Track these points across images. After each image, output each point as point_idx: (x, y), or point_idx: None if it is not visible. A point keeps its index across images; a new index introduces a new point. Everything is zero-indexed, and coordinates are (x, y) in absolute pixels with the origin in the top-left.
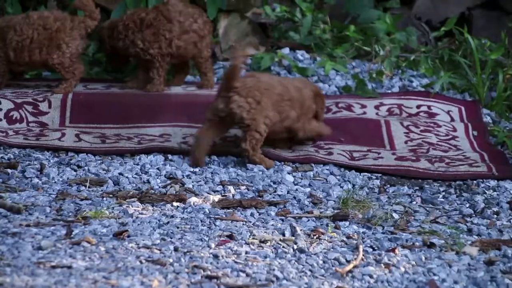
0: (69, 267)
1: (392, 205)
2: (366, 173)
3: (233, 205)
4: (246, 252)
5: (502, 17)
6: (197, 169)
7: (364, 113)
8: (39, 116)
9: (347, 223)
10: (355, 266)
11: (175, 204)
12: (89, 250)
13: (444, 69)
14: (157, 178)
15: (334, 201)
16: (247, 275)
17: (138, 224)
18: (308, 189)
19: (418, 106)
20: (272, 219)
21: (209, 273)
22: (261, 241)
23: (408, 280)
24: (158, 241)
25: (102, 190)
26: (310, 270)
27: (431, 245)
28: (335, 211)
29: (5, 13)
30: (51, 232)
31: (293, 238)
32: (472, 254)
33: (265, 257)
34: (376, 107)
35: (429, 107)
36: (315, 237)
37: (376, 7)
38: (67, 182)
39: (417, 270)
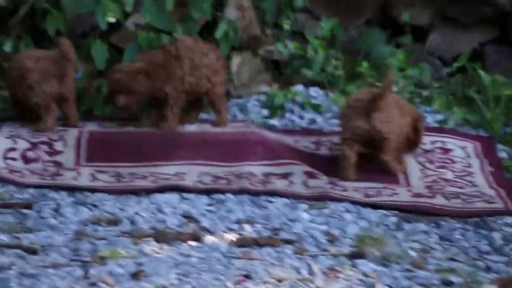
0: None
1: (409, 243)
2: (381, 210)
3: (249, 243)
4: None
5: None
6: (212, 207)
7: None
8: (54, 155)
9: (364, 261)
10: None
11: (191, 243)
12: None
13: (458, 104)
14: (173, 217)
15: (351, 238)
16: None
17: (155, 264)
18: (324, 227)
19: (433, 142)
20: (289, 257)
21: None
22: (278, 280)
23: None
24: (175, 281)
25: (118, 230)
26: None
27: (450, 284)
28: (352, 249)
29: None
30: (68, 273)
31: (310, 276)
32: None
33: None
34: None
35: (443, 143)
36: (332, 275)
37: (389, 43)
38: (83, 222)
39: None
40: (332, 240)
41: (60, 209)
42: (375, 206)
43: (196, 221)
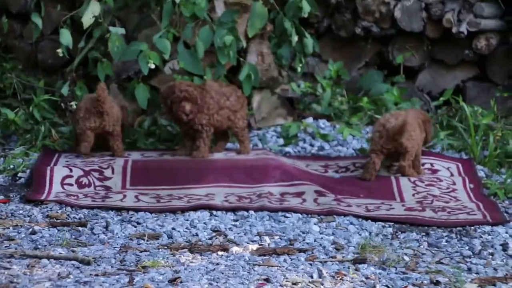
0: None
1: (403, 249)
2: (380, 222)
3: (268, 252)
4: None
5: (492, 88)
6: (237, 222)
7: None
8: (104, 181)
9: (365, 265)
10: None
11: (219, 253)
12: None
13: (444, 132)
14: (204, 231)
15: (354, 247)
16: None
17: (189, 272)
18: (331, 237)
19: (423, 164)
20: (302, 264)
21: None
22: (293, 283)
23: None
24: (206, 286)
25: (158, 243)
26: None
27: (437, 283)
28: (355, 255)
29: (75, 96)
30: (116, 280)
31: (320, 279)
32: None
33: None
34: (387, 167)
35: (431, 164)
36: (339, 278)
37: (385, 81)
38: (129, 237)
39: None
40: (338, 248)
41: (109, 226)
42: (374, 219)
43: (224, 234)
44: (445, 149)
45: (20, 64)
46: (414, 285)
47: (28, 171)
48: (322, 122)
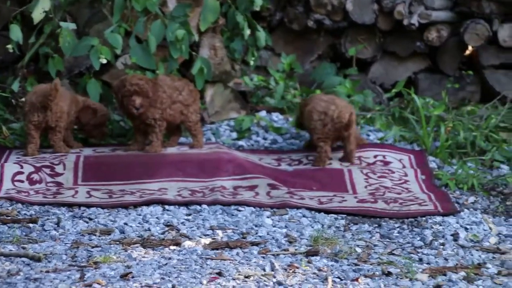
0: None
1: (355, 241)
2: (333, 214)
3: (221, 246)
4: (233, 287)
5: (443, 79)
6: (190, 217)
7: (330, 164)
8: (55, 177)
9: (318, 258)
10: None
11: (172, 247)
12: None
13: (396, 124)
14: (157, 226)
15: (307, 239)
16: None
17: (141, 266)
18: (284, 230)
19: (375, 156)
20: (255, 257)
21: None
22: (245, 277)
23: None
24: (158, 280)
25: (110, 238)
26: None
27: (389, 274)
28: (308, 248)
29: (26, 92)
30: (67, 276)
31: (273, 272)
32: (423, 280)
33: None
34: (340, 160)
35: (384, 156)
36: (291, 271)
37: (338, 74)
38: (80, 233)
39: None
40: (291, 241)
41: (61, 222)
42: (327, 211)
43: (176, 229)
44: (397, 140)
45: None
46: (366, 276)
47: None
48: (275, 115)
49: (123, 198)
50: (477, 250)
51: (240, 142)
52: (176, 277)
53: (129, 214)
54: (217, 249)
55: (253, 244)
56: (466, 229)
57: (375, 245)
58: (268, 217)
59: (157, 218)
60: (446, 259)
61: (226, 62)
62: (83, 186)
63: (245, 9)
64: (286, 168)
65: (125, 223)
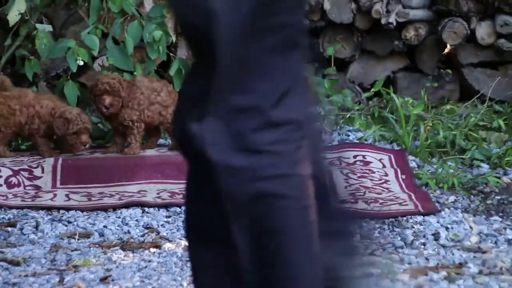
0: None
1: None
2: None
3: None
4: None
5: (422, 78)
6: (170, 219)
7: None
8: (34, 180)
9: None
10: None
11: (152, 250)
12: None
13: (375, 123)
14: (136, 228)
15: None
16: None
17: (121, 269)
18: None
19: (355, 156)
20: None
21: None
22: None
23: None
24: (138, 283)
25: (89, 241)
26: None
27: (370, 275)
28: None
29: None
30: (46, 280)
31: None
32: (404, 280)
33: None
34: None
35: (363, 156)
36: None
37: (316, 74)
38: (59, 236)
39: None
40: None
41: (39, 226)
42: None
43: (156, 231)
44: (377, 140)
45: None
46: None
47: None
48: None
49: (102, 200)
50: (458, 249)
51: None
52: (156, 280)
53: (108, 217)
54: None
55: None
56: (447, 228)
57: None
58: None
59: (136, 220)
60: (427, 259)
61: None
62: (61, 189)
63: None
64: None
65: (105, 226)
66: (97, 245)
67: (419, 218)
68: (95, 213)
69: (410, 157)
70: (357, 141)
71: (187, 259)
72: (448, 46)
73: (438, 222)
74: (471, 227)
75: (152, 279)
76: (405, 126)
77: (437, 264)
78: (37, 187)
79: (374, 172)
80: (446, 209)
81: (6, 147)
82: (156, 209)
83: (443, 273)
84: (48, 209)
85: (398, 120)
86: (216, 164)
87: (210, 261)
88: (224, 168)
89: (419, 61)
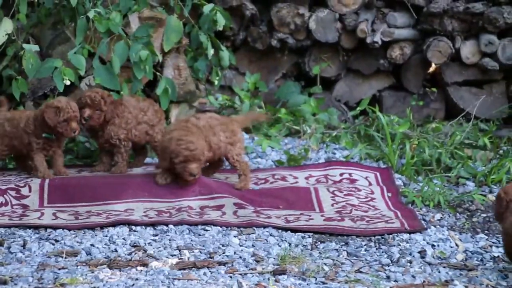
0: None
1: (322, 259)
2: (300, 233)
3: (188, 266)
4: None
5: (407, 97)
6: (157, 237)
7: (296, 182)
8: (21, 199)
9: (285, 276)
10: None
11: (139, 268)
12: None
13: (361, 142)
14: (123, 246)
15: (274, 258)
16: None
17: None
18: (251, 249)
19: (341, 174)
20: (222, 277)
21: None
22: None
23: None
24: None
25: (76, 260)
26: None
27: None
28: (275, 266)
29: None
30: None
31: None
32: None
33: None
34: (306, 178)
35: (350, 174)
36: None
37: (302, 92)
38: (47, 255)
39: None
40: (258, 260)
41: (27, 244)
42: (294, 230)
43: (143, 249)
44: (363, 158)
45: None
46: None
47: None
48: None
49: (89, 219)
50: (444, 267)
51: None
52: None
53: (96, 235)
54: (184, 269)
55: (220, 263)
56: (433, 246)
57: (342, 263)
58: (235, 236)
59: (123, 239)
60: (413, 276)
61: (190, 82)
62: (49, 208)
63: (208, 29)
64: (252, 187)
65: (92, 245)
66: (84, 264)
67: (405, 236)
68: (82, 232)
69: (396, 175)
70: (344, 159)
71: (174, 277)
72: (433, 65)
73: (424, 239)
74: (457, 245)
75: None
76: (391, 144)
77: (423, 281)
78: (25, 206)
79: (360, 190)
80: (432, 227)
81: None
82: (143, 227)
83: None
84: (36, 227)
85: (384, 139)
86: None
87: None
88: None
89: (405, 79)
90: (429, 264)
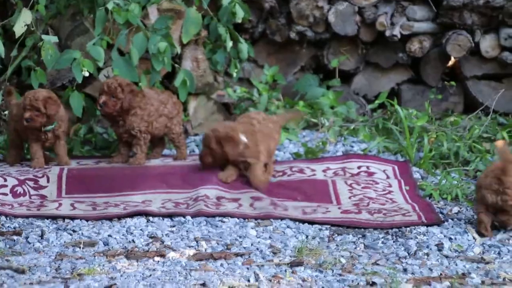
0: None
1: (339, 251)
2: (317, 225)
3: (205, 257)
4: None
5: (426, 90)
6: (174, 228)
7: (314, 175)
8: (39, 190)
9: (302, 268)
10: None
11: (156, 259)
12: None
13: (379, 135)
14: (141, 237)
15: (291, 250)
16: None
17: (125, 278)
18: (268, 241)
19: (359, 167)
20: (239, 268)
21: None
22: (229, 287)
23: None
24: None
25: (94, 250)
26: None
27: (373, 284)
28: (292, 258)
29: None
30: None
31: (257, 283)
32: None
33: None
34: (324, 171)
35: (368, 167)
36: (275, 281)
37: (321, 85)
38: (64, 245)
39: None
40: (275, 252)
41: (45, 235)
42: (311, 222)
43: (161, 240)
44: (381, 151)
45: None
46: (350, 286)
47: None
48: None
49: (107, 210)
50: (461, 260)
51: None
52: None
53: (113, 226)
54: (201, 260)
55: (237, 255)
56: (450, 239)
57: (359, 256)
58: (252, 228)
59: (141, 230)
60: (430, 269)
61: (208, 74)
62: (67, 199)
63: (227, 21)
64: (270, 179)
65: (109, 235)
66: (101, 254)
67: (423, 229)
68: (100, 222)
69: (414, 168)
70: (361, 152)
71: (191, 268)
72: (452, 58)
73: (441, 232)
74: (474, 238)
75: (156, 287)
76: (409, 138)
77: (440, 274)
78: (43, 197)
79: (378, 183)
80: (450, 220)
81: None
82: (161, 218)
83: (446, 283)
84: (54, 218)
85: (402, 132)
86: None
87: None
88: None
89: (423, 73)
90: (446, 257)
